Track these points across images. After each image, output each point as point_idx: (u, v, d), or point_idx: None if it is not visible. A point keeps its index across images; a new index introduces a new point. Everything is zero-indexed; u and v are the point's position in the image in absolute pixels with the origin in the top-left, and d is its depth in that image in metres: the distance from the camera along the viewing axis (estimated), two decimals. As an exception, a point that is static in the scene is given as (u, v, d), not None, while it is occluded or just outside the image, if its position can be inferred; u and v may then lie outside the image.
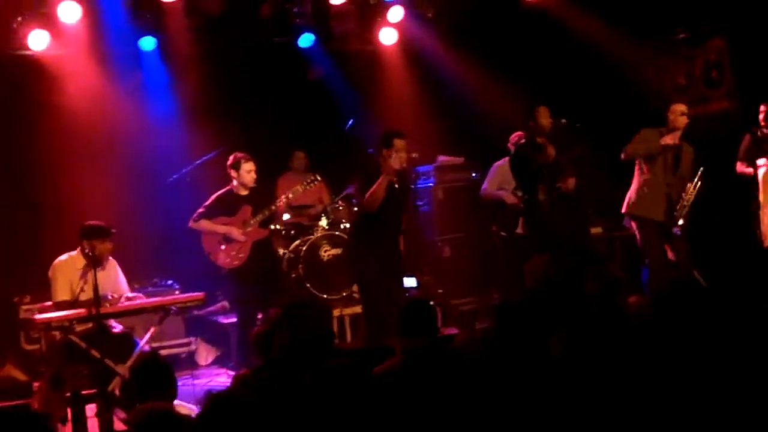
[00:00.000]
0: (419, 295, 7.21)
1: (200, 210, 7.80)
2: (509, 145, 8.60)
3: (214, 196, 7.84)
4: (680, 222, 7.82)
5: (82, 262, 6.94)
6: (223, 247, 7.77)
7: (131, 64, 9.01)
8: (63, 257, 7.07)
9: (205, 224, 7.78)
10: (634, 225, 8.08)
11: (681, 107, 7.86)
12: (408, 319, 4.53)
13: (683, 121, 7.80)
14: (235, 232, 7.74)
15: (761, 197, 7.93)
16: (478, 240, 9.46)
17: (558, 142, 7.98)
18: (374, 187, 7.13)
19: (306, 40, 9.52)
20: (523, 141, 8.21)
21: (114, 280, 7.23)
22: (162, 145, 8.94)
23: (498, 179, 8.64)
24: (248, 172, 7.78)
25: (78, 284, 6.91)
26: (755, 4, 8.70)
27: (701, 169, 7.88)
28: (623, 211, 8.12)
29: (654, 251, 7.88)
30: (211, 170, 8.61)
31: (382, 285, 7.29)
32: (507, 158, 8.61)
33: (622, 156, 7.92)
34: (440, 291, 9.08)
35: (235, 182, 7.80)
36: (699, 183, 7.86)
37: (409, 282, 7.26)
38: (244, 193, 7.83)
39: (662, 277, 7.63)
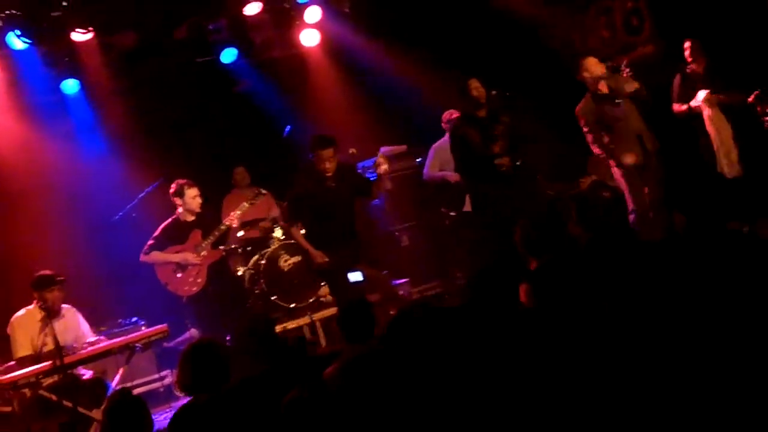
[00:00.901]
0: (363, 290, 7.14)
1: (150, 242, 7.73)
2: (443, 124, 8.62)
3: (161, 227, 7.77)
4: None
5: (40, 314, 6.87)
6: (179, 275, 7.71)
7: (57, 110, 8.93)
8: (20, 312, 7.03)
9: (157, 255, 7.71)
10: (619, 174, 7.97)
11: (589, 60, 7.77)
12: (346, 323, 4.51)
13: (599, 70, 7.74)
14: (190, 257, 7.68)
15: (709, 130, 7.94)
16: (434, 224, 9.48)
17: (494, 112, 7.99)
18: (302, 243, 7.38)
19: (228, 55, 9.47)
20: (455, 117, 8.16)
21: (75, 326, 7.18)
22: (102, 185, 8.87)
23: (438, 160, 8.67)
24: (193, 198, 7.73)
25: (39, 337, 6.86)
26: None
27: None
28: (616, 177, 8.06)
29: (637, 195, 7.78)
30: (156, 201, 8.54)
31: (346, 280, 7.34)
32: (443, 138, 8.64)
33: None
34: (397, 282, 8.93)
35: (180, 209, 7.74)
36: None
37: (355, 276, 7.22)
38: (191, 218, 7.77)
39: (647, 219, 7.65)
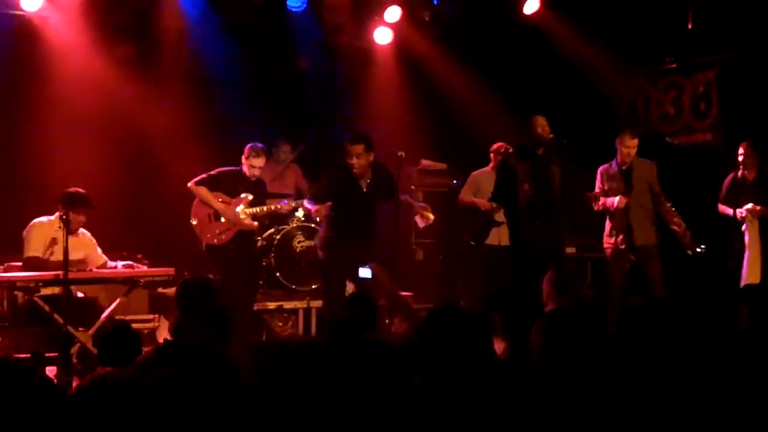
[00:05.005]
0: (369, 288, 7.17)
1: (203, 176, 7.66)
2: (491, 153, 8.64)
3: (221, 170, 7.71)
4: (700, 248, 7.87)
5: (58, 225, 6.85)
6: (210, 221, 7.69)
7: (123, 33, 8.92)
8: (41, 219, 7.09)
9: (204, 192, 7.65)
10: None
11: (631, 140, 7.87)
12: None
13: (631, 152, 7.87)
14: (230, 214, 7.66)
15: (747, 240, 7.93)
16: (452, 247, 9.46)
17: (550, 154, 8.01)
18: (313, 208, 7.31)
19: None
20: (510, 150, 8.21)
21: (88, 247, 7.21)
22: (149, 118, 8.82)
23: (473, 187, 8.65)
24: (252, 167, 7.69)
25: (49, 248, 6.89)
26: (746, 41, 8.80)
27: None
28: (604, 245, 8.12)
29: (615, 277, 7.99)
30: (202, 152, 8.56)
31: (342, 280, 7.39)
32: (485, 168, 8.66)
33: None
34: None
35: (245, 167, 7.70)
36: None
37: (364, 272, 7.24)
38: (254, 179, 7.76)
39: (618, 302, 7.74)
